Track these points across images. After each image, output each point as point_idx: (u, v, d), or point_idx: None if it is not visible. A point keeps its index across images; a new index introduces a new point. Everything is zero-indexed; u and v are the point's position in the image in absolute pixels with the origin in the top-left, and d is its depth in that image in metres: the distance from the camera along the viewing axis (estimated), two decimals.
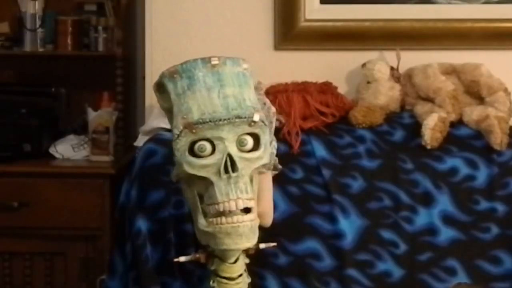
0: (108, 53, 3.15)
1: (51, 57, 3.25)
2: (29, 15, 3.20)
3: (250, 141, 2.04)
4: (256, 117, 2.03)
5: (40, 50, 3.22)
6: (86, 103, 3.07)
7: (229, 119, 2.00)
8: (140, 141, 2.68)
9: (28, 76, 3.34)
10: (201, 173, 2.01)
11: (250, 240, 2.03)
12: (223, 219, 2.00)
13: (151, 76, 2.93)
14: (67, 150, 3.04)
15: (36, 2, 3.20)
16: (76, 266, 2.90)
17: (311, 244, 2.47)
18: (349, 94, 2.86)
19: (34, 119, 3.08)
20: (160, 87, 2.09)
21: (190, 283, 2.36)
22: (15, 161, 2.96)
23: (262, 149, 2.06)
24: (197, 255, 2.15)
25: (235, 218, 2.00)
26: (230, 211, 1.99)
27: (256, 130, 2.04)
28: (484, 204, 2.54)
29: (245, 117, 2.02)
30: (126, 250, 2.40)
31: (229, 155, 2.00)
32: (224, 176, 2.00)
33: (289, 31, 2.90)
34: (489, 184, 2.56)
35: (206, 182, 2.01)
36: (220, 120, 1.99)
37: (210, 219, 2.01)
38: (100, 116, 3.00)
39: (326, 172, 2.55)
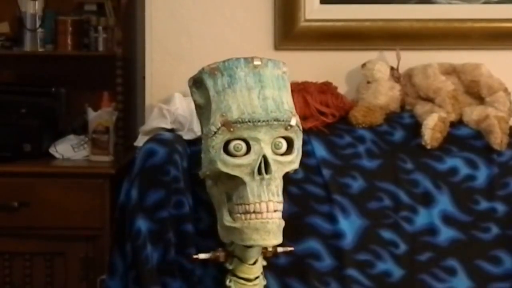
0: (108, 53, 3.15)
1: (51, 57, 3.25)
2: (29, 15, 3.20)
3: (284, 144, 2.06)
4: (293, 121, 2.05)
5: (40, 50, 3.22)
6: (86, 103, 3.07)
7: (267, 121, 2.01)
8: (140, 141, 2.68)
9: (28, 76, 3.33)
10: (235, 172, 2.02)
11: (277, 238, 2.04)
12: (252, 215, 2.00)
13: (151, 76, 2.93)
14: (67, 150, 3.04)
15: (36, 2, 3.20)
16: (76, 266, 2.89)
17: (311, 244, 2.47)
18: (349, 94, 2.86)
19: (34, 119, 3.08)
20: (197, 82, 2.09)
21: (190, 283, 2.36)
22: (15, 161, 2.96)
23: (295, 153, 2.08)
24: (217, 254, 2.16)
25: (264, 214, 2.00)
26: (260, 212, 1.99)
27: (291, 134, 2.06)
28: (484, 204, 2.54)
29: (283, 121, 2.03)
30: (126, 250, 2.39)
31: (264, 157, 2.01)
32: (257, 177, 2.00)
33: (289, 31, 2.90)
34: (489, 184, 2.56)
35: (237, 182, 2.02)
36: (258, 121, 2.00)
37: (238, 215, 2.01)
38: (100, 116, 3.00)
39: (326, 172, 2.55)
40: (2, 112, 3.09)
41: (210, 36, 2.91)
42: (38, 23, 3.21)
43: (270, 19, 2.91)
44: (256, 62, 2.06)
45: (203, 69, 2.09)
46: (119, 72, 3.06)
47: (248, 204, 2.00)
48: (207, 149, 2.06)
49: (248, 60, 2.06)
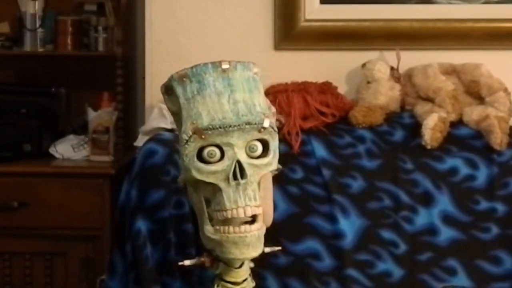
0: (108, 53, 3.15)
1: (51, 57, 3.25)
2: (29, 15, 3.20)
3: (259, 147, 2.02)
4: (266, 123, 2.01)
5: (40, 50, 3.21)
6: (86, 103, 3.07)
7: (239, 125, 1.97)
8: (140, 141, 2.68)
9: (28, 76, 3.33)
10: (210, 179, 1.98)
11: (256, 250, 2.01)
12: (230, 228, 1.97)
13: (151, 76, 2.93)
14: (67, 150, 3.04)
15: (36, 2, 3.19)
16: (76, 266, 2.89)
17: (311, 244, 2.47)
18: (349, 94, 2.86)
19: (34, 119, 3.08)
20: (168, 90, 2.08)
21: (190, 283, 2.36)
22: (15, 161, 2.96)
23: (271, 155, 2.03)
24: (202, 259, 2.14)
25: (242, 228, 1.96)
26: (237, 219, 1.98)
27: (265, 136, 2.01)
28: (484, 204, 2.54)
29: (255, 124, 1.99)
30: (126, 250, 2.39)
31: (238, 162, 1.98)
32: (232, 183, 1.97)
33: (289, 31, 2.90)
34: (489, 184, 2.56)
35: (214, 188, 1.99)
36: (230, 126, 1.96)
37: (217, 227, 2.00)
38: (100, 116, 2.99)
39: (326, 172, 2.55)
40: (2, 112, 3.09)
41: (210, 37, 2.91)
42: (38, 23, 3.20)
43: (270, 19, 2.91)
44: (225, 66, 2.02)
45: (172, 76, 2.06)
46: (119, 72, 3.06)
47: (225, 211, 1.96)
48: (181, 157, 2.03)
49: (216, 65, 2.02)
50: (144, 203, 2.39)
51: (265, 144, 2.03)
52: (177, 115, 2.08)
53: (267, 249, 2.16)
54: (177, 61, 2.88)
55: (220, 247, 2.00)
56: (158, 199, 2.40)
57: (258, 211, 1.99)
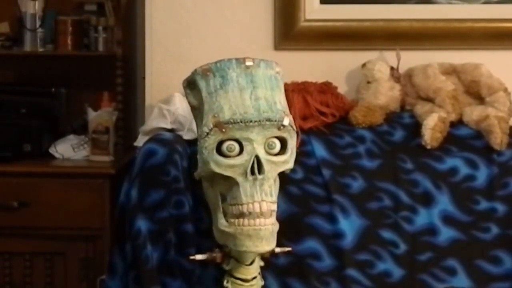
0: (108, 53, 3.15)
1: (51, 57, 3.25)
2: (29, 15, 3.19)
3: (278, 145, 2.06)
4: (286, 121, 2.05)
5: (40, 50, 3.21)
6: (86, 103, 3.07)
7: (259, 121, 2.01)
8: (140, 141, 2.68)
9: (28, 76, 3.33)
10: (227, 172, 2.02)
11: (270, 244, 2.05)
12: (245, 221, 2.00)
13: (151, 76, 2.93)
14: (67, 150, 3.04)
15: (36, 2, 3.19)
16: (76, 266, 2.89)
17: (311, 244, 2.47)
18: (349, 94, 2.86)
19: (34, 119, 3.08)
20: (191, 84, 2.10)
21: (190, 283, 2.36)
22: (15, 161, 2.96)
23: (288, 153, 2.08)
24: (214, 255, 2.16)
25: (257, 221, 2.00)
26: (253, 213, 1.98)
27: (284, 134, 2.06)
28: (484, 204, 2.54)
29: (275, 121, 2.03)
30: (126, 250, 2.40)
31: (257, 157, 2.01)
32: (250, 177, 2.01)
33: (289, 31, 2.90)
34: (489, 184, 2.56)
35: (231, 182, 2.03)
36: (250, 121, 2.01)
37: (232, 220, 2.01)
38: (100, 116, 2.99)
39: (326, 172, 2.55)
40: (2, 112, 3.09)
41: (210, 36, 2.91)
42: (38, 23, 3.20)
43: (270, 19, 2.91)
44: (248, 63, 2.07)
45: (196, 70, 2.10)
46: (119, 72, 3.06)
47: (241, 205, 2.00)
48: (200, 150, 2.06)
49: (240, 61, 2.06)
50: (144, 203, 2.39)
51: (283, 142, 2.08)
52: (197, 109, 2.10)
53: (278, 249, 2.19)
54: (177, 61, 2.89)
55: (233, 239, 2.02)
56: (158, 199, 2.40)
57: (274, 207, 2.04)
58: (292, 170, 2.52)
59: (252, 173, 2.01)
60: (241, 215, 2.01)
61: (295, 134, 2.12)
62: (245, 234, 2.01)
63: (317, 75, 2.82)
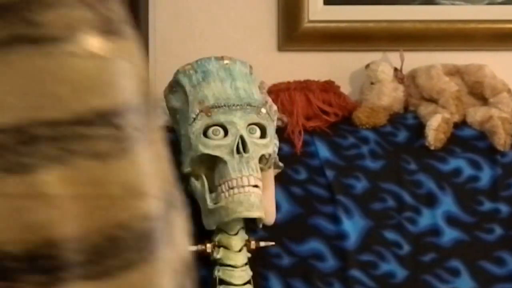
0: None
1: None
2: None
3: (258, 131, 2.23)
4: (263, 110, 2.25)
5: None
6: None
7: (241, 105, 2.21)
8: None
9: None
10: (215, 152, 2.17)
11: (260, 211, 2.17)
12: (235, 190, 2.14)
13: (153, 77, 2.92)
14: None
15: None
16: None
17: (315, 245, 2.47)
18: (352, 95, 2.85)
19: None
20: (172, 87, 2.27)
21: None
22: None
23: (268, 138, 2.24)
24: (203, 245, 2.24)
25: (247, 188, 2.14)
26: (242, 186, 2.13)
27: (263, 121, 2.23)
28: (487, 205, 2.54)
29: (255, 106, 2.23)
30: None
31: (241, 137, 2.18)
32: (236, 155, 2.16)
33: (293, 32, 2.90)
34: (492, 185, 2.55)
35: (219, 164, 2.18)
36: (233, 105, 2.20)
37: (222, 194, 2.11)
38: None
39: (329, 173, 2.55)
40: None
41: (214, 37, 2.91)
42: None
43: (274, 20, 2.91)
44: (226, 61, 2.29)
45: (177, 71, 2.31)
46: None
47: (231, 180, 2.14)
48: (187, 138, 2.22)
49: (218, 58, 2.29)
50: None
51: (263, 129, 2.25)
52: (181, 109, 2.24)
53: (263, 243, 2.29)
54: (180, 62, 2.86)
55: (225, 211, 2.15)
56: None
57: (260, 183, 2.18)
58: (296, 171, 2.53)
59: (238, 151, 2.16)
60: (231, 189, 2.15)
61: (274, 122, 2.30)
62: (236, 201, 2.13)
63: (321, 76, 2.81)
